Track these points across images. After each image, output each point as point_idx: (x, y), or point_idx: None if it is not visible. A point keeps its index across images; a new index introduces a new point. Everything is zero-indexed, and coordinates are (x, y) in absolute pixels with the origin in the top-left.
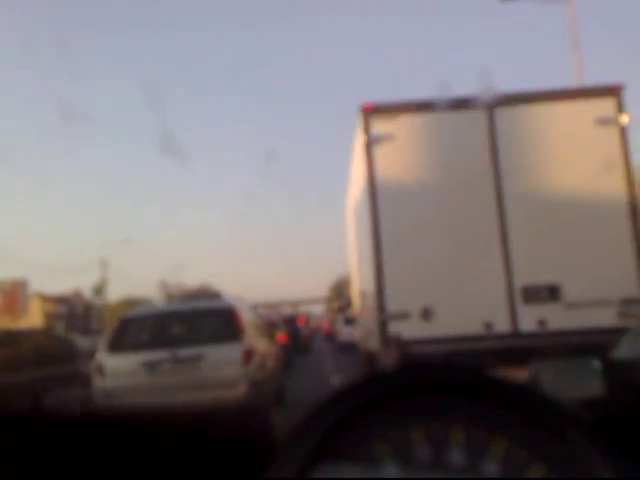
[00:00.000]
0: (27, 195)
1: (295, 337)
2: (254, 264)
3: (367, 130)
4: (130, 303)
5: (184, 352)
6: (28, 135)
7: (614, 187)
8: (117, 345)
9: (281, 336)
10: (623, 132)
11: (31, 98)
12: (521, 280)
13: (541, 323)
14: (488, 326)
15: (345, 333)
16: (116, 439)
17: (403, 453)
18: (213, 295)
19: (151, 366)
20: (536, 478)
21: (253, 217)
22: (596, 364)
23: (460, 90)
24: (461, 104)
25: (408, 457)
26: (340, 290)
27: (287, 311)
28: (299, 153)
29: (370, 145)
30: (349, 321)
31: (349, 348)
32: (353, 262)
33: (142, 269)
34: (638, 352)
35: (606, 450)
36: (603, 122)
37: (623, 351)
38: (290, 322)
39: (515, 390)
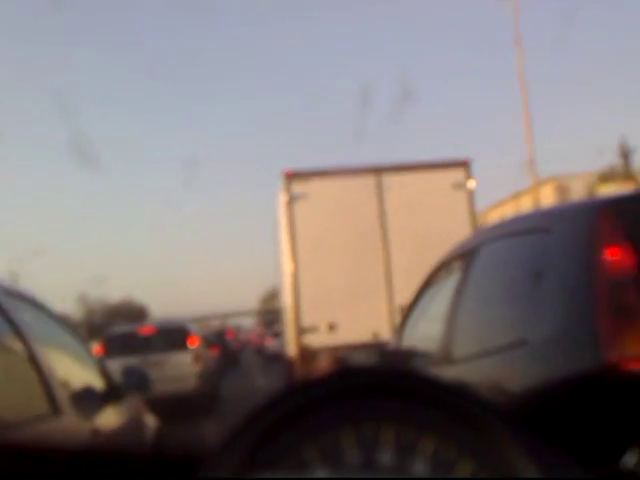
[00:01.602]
0: None
1: (225, 350)
2: (180, 275)
3: (288, 190)
4: None
5: (152, 357)
6: None
7: (463, 232)
8: (104, 353)
9: (213, 348)
10: (470, 193)
11: None
12: (399, 301)
13: None
14: (375, 335)
15: (272, 345)
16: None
17: (333, 456)
18: (137, 311)
19: None
20: (463, 478)
21: (177, 227)
22: (375, 353)
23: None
24: (357, 171)
25: (338, 460)
26: (270, 306)
27: (216, 324)
28: (223, 160)
29: (291, 202)
30: (276, 335)
31: (275, 358)
32: (282, 285)
33: (58, 283)
34: (396, 344)
35: (533, 448)
36: (456, 187)
37: (391, 344)
38: (219, 336)
39: (443, 390)
